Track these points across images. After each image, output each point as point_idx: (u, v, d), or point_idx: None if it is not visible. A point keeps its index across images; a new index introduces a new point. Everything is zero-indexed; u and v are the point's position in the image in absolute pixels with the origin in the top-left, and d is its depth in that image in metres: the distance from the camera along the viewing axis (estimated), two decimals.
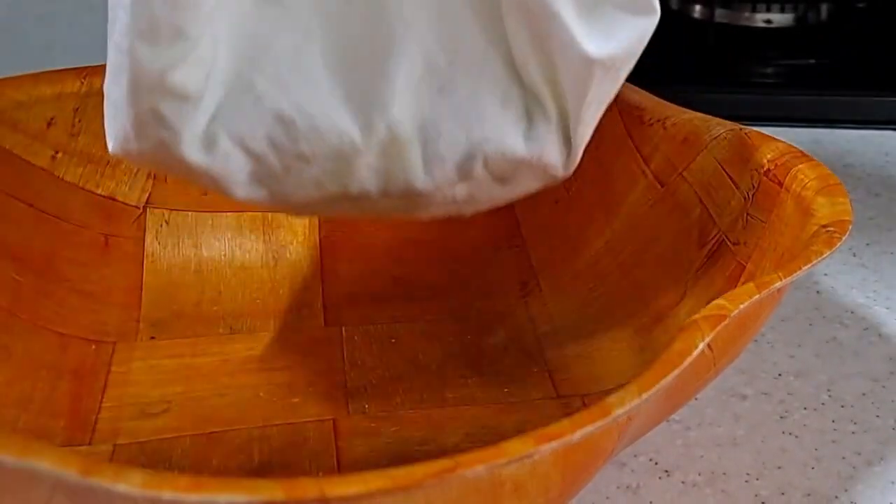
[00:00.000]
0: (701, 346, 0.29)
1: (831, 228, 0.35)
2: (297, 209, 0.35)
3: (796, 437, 0.40)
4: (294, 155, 0.32)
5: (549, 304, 0.45)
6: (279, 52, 0.32)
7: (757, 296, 0.31)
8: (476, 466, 0.24)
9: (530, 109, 0.33)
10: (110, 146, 0.33)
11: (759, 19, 0.73)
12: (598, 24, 0.32)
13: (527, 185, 0.35)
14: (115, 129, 0.32)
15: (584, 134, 0.34)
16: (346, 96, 0.32)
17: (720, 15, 0.73)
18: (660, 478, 0.38)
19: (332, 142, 0.32)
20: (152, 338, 0.44)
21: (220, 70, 0.31)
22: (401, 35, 0.32)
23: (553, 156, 0.34)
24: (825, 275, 0.51)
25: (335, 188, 0.33)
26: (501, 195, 0.35)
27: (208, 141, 0.31)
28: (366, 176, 0.33)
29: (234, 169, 0.32)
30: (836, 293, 0.49)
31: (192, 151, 0.31)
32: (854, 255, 0.52)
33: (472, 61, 0.32)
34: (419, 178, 0.33)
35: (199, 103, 0.31)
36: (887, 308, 0.48)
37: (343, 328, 0.45)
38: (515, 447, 0.25)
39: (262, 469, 0.37)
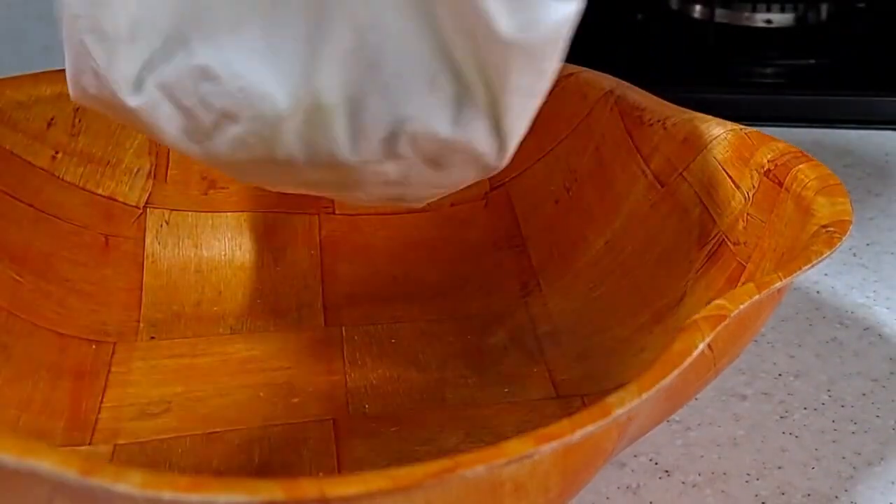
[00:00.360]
0: (701, 346, 0.29)
1: (831, 228, 0.35)
2: (233, 171, 0.36)
3: (796, 437, 0.40)
4: (221, 112, 0.33)
5: (549, 304, 0.46)
6: (219, 9, 0.32)
7: (757, 296, 0.31)
8: (476, 466, 0.24)
9: (460, 94, 0.33)
10: (70, 93, 0.35)
11: (759, 19, 0.73)
12: (517, 7, 0.31)
13: (463, 173, 0.35)
14: (69, 72, 0.34)
15: (513, 125, 0.34)
16: (275, 59, 0.32)
17: (720, 15, 0.73)
18: (660, 478, 0.38)
19: (256, 102, 0.32)
20: (152, 338, 0.44)
21: (158, 19, 0.32)
22: (333, 6, 0.32)
23: (483, 144, 0.34)
24: (825, 275, 0.51)
25: (261, 151, 0.33)
26: (438, 180, 0.35)
27: (138, 86, 0.32)
28: (291, 141, 0.33)
29: (165, 120, 0.33)
30: (836, 293, 0.49)
31: (125, 93, 0.32)
32: (854, 255, 0.52)
33: (401, 40, 0.33)
34: (344, 150, 0.33)
35: (127, 46, 0.32)
36: (887, 308, 0.48)
37: (343, 328, 0.45)
38: (515, 447, 0.25)
39: (263, 469, 0.37)
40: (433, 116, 0.33)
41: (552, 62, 0.32)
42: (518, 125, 0.34)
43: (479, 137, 0.33)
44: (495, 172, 0.35)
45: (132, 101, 0.33)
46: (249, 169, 0.35)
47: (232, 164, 0.35)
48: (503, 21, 0.31)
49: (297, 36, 0.32)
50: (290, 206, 0.49)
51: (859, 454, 0.39)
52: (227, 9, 0.32)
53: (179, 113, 0.33)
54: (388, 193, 0.36)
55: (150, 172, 0.47)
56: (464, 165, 0.35)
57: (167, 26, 0.32)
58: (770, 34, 0.74)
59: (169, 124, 0.33)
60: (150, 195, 0.47)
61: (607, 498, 0.37)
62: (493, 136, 0.34)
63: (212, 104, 0.32)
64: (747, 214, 0.40)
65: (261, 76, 0.32)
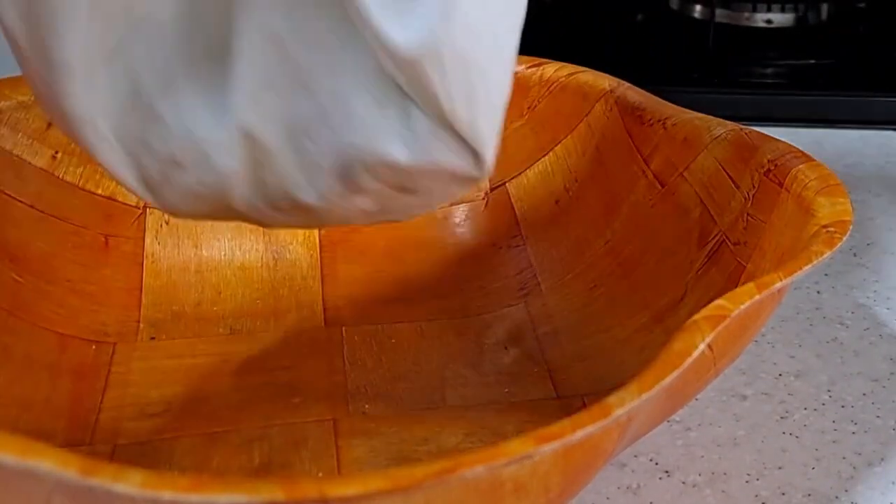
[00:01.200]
0: (701, 346, 0.29)
1: (832, 229, 0.35)
2: (208, 219, 0.31)
3: (796, 437, 0.40)
4: (167, 159, 0.28)
5: (549, 304, 0.46)
6: (165, 33, 0.27)
7: (757, 296, 0.31)
8: (476, 466, 0.24)
9: (408, 110, 0.27)
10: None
11: (760, 19, 0.73)
12: (395, 10, 0.26)
13: (445, 191, 0.30)
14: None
15: (478, 130, 0.28)
16: (208, 94, 0.27)
17: (720, 15, 0.73)
18: (660, 478, 0.38)
19: (198, 145, 0.28)
20: (152, 338, 0.44)
21: (103, 48, 0.27)
22: (241, 14, 0.27)
23: (449, 158, 0.28)
24: (825, 275, 0.51)
25: (216, 201, 0.29)
26: (420, 204, 0.31)
27: (93, 125, 0.28)
28: (242, 187, 0.28)
29: (121, 165, 0.29)
30: (836, 293, 0.49)
31: (85, 132, 0.28)
32: (854, 255, 0.52)
33: (331, 52, 0.27)
34: (301, 190, 0.28)
35: (82, 79, 0.27)
36: (888, 308, 0.48)
37: (343, 328, 0.45)
38: (515, 447, 0.25)
39: (263, 469, 0.37)
40: (383, 141, 0.27)
41: (470, 56, 0.27)
42: (484, 127, 0.28)
43: (441, 153, 0.28)
44: (484, 181, 0.31)
45: (91, 140, 0.28)
46: (220, 218, 0.30)
47: (197, 216, 0.30)
48: (392, 31, 0.25)
49: (218, 62, 0.27)
50: None
51: (859, 454, 0.39)
52: (172, 44, 0.28)
53: (129, 160, 0.28)
54: (373, 220, 0.31)
55: None
56: (442, 185, 0.29)
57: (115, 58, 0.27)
58: (770, 34, 0.74)
59: (125, 171, 0.29)
60: None
61: (607, 498, 0.37)
62: (461, 148, 0.28)
63: (157, 150, 0.28)
64: (747, 214, 0.40)
65: (198, 115, 0.27)
